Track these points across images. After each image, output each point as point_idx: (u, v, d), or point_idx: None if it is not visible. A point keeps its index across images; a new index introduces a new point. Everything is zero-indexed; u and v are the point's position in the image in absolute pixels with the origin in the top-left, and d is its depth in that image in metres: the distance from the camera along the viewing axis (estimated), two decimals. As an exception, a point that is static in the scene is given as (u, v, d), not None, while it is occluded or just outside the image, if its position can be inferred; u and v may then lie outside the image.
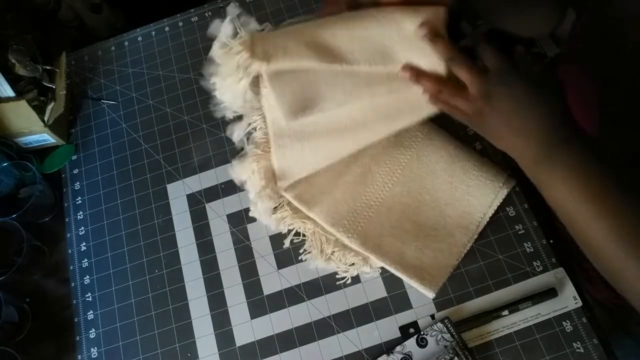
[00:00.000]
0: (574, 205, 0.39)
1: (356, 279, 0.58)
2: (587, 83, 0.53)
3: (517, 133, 0.41)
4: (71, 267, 0.64)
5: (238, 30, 0.51)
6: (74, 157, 0.70)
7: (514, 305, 0.53)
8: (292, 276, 0.59)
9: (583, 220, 0.39)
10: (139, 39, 0.77)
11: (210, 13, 0.77)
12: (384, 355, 0.53)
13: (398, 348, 0.53)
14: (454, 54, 0.43)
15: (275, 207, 0.61)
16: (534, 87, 0.41)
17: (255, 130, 0.63)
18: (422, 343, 0.53)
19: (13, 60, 0.65)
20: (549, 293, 0.53)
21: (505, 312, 0.53)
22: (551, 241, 0.57)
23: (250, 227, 0.63)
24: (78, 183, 0.69)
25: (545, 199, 0.42)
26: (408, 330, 0.55)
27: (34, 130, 0.67)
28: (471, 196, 0.58)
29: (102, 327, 0.60)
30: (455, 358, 0.51)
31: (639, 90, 0.46)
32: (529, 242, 0.57)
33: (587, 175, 0.39)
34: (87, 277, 0.63)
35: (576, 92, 0.56)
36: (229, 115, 0.58)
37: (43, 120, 0.67)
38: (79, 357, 0.59)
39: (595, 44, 0.51)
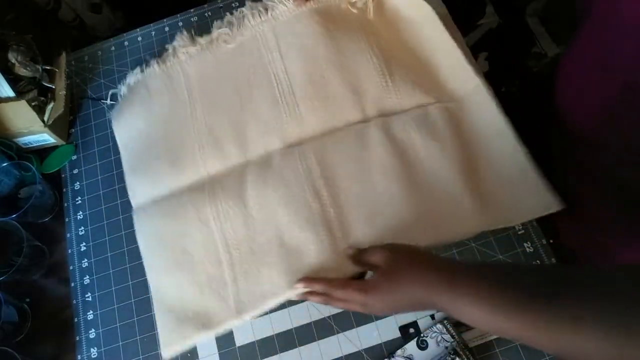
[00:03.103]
0: (491, 321, 0.39)
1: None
2: (591, 81, 0.54)
3: (420, 285, 0.43)
4: (71, 267, 0.64)
5: None
6: (74, 157, 0.70)
7: (514, 306, 0.53)
8: (292, 276, 0.59)
9: (509, 331, 0.39)
10: (139, 39, 0.77)
11: (210, 13, 0.77)
12: (385, 359, 0.53)
13: (399, 352, 0.53)
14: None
15: None
16: (413, 255, 0.46)
17: None
18: (422, 345, 0.53)
19: (13, 61, 0.65)
20: (549, 293, 0.53)
21: (505, 312, 0.53)
22: (551, 241, 0.57)
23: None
24: (78, 183, 0.69)
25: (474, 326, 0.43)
26: (408, 330, 0.55)
27: (34, 130, 0.67)
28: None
29: (102, 327, 0.60)
30: (457, 358, 0.51)
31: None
32: (528, 242, 0.57)
33: (489, 290, 0.39)
34: (87, 277, 0.63)
35: (577, 89, 0.56)
36: None
37: (43, 120, 0.67)
38: (79, 357, 0.59)
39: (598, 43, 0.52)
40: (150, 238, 0.60)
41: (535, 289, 0.38)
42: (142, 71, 0.70)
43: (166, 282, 0.58)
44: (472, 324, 0.41)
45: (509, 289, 0.38)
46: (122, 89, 0.71)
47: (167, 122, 0.66)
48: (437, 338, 0.53)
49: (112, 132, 0.70)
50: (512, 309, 0.37)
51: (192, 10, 0.78)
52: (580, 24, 0.54)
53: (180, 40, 0.70)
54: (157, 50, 0.75)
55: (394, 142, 0.58)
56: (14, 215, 0.60)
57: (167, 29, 0.77)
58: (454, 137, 0.58)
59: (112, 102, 0.72)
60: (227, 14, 0.71)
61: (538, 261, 0.56)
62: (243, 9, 0.70)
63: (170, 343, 0.55)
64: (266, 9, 0.68)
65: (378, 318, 0.56)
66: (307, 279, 0.52)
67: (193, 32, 0.71)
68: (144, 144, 0.65)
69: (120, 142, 0.67)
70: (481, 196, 0.55)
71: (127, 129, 0.67)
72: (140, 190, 0.63)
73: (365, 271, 0.52)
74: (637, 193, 0.53)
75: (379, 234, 0.54)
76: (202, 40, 0.70)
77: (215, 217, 0.58)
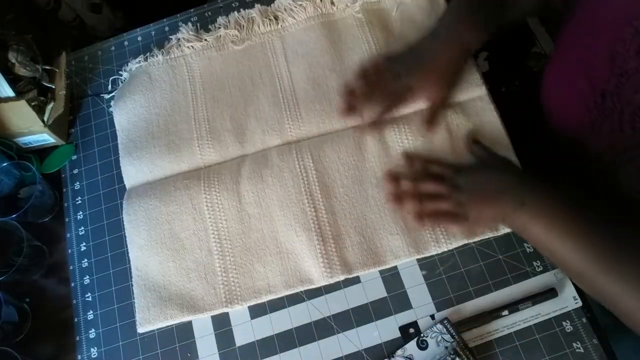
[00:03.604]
0: (547, 239, 0.47)
1: (356, 279, 0.58)
2: (579, 79, 0.54)
3: (492, 202, 0.50)
4: (71, 267, 0.64)
5: None
6: (74, 157, 0.70)
7: (514, 305, 0.53)
8: (292, 276, 0.59)
9: (558, 251, 0.47)
10: (139, 39, 0.77)
11: (210, 13, 0.77)
12: (385, 359, 0.53)
13: (399, 352, 0.53)
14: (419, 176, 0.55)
15: None
16: (490, 165, 0.55)
17: None
18: (422, 345, 0.53)
19: (13, 60, 0.65)
20: (549, 293, 0.53)
21: (505, 312, 0.53)
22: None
23: (250, 227, 0.63)
24: (78, 183, 0.69)
25: (527, 241, 0.52)
26: (408, 331, 0.55)
27: (34, 130, 0.67)
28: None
29: (102, 327, 0.60)
30: (457, 358, 0.51)
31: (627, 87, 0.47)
32: (528, 242, 0.57)
33: (554, 212, 0.47)
34: (87, 277, 0.63)
35: (568, 88, 0.56)
36: None
37: (43, 120, 0.67)
38: (79, 357, 0.59)
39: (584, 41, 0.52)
40: (138, 216, 0.62)
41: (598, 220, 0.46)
42: (145, 59, 0.72)
43: (151, 261, 0.60)
44: (532, 242, 0.50)
45: (570, 212, 0.47)
46: (124, 75, 0.73)
47: (167, 110, 0.68)
48: (437, 338, 0.53)
49: (112, 132, 0.70)
50: (564, 228, 0.46)
51: (192, 10, 0.78)
52: (563, 28, 0.55)
53: (185, 32, 0.72)
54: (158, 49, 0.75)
55: (387, 153, 0.60)
56: (14, 215, 0.60)
57: (167, 29, 0.77)
58: (444, 142, 0.60)
59: (111, 95, 0.73)
60: (234, 12, 0.72)
61: (538, 261, 0.56)
62: (252, 11, 0.71)
63: (149, 320, 0.58)
64: (276, 18, 0.71)
65: (378, 318, 0.56)
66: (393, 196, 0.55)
67: (198, 27, 0.73)
68: (142, 128, 0.67)
69: (119, 126, 0.69)
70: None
71: (127, 113, 0.69)
72: (135, 173, 0.65)
73: None
74: (615, 197, 0.53)
75: (369, 246, 0.57)
76: (207, 37, 0.71)
77: (209, 206, 0.60)
